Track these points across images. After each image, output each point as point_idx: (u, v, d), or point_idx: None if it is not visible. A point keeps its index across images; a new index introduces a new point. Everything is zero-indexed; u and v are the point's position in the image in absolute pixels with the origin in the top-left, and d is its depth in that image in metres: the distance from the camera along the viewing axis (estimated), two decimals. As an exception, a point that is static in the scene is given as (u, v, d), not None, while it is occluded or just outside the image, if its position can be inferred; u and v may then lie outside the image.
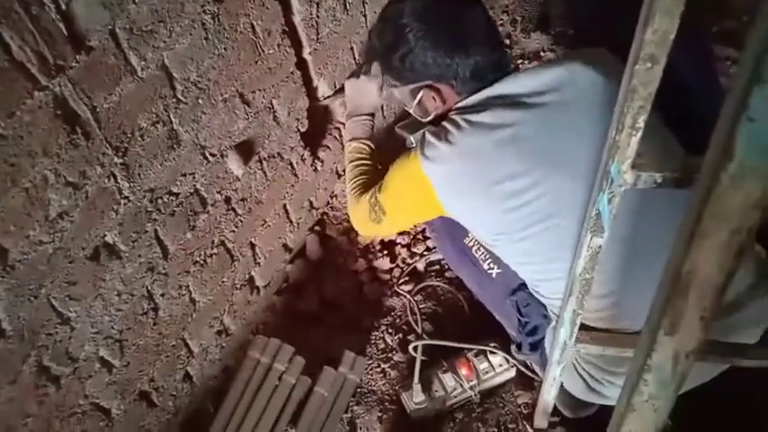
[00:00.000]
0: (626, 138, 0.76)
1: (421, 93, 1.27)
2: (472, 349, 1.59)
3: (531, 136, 1.13)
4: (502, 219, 1.17)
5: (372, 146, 1.50)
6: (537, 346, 1.40)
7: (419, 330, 1.69)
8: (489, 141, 1.14)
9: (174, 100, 1.19)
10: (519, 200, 1.13)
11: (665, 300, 0.67)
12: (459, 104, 1.24)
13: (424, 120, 1.34)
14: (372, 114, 1.53)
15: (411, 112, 1.34)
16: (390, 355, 1.67)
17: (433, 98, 1.26)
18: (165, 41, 1.11)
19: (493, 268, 1.40)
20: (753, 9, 0.51)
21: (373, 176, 1.44)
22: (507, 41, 2.38)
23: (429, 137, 1.21)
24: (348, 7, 1.69)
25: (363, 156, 1.49)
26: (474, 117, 1.17)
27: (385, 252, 1.87)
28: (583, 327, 1.11)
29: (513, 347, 1.50)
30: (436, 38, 1.19)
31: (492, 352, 1.58)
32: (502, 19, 2.43)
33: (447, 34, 1.19)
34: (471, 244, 1.43)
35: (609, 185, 0.83)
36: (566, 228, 1.10)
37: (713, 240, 0.61)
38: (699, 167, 0.64)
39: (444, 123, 1.21)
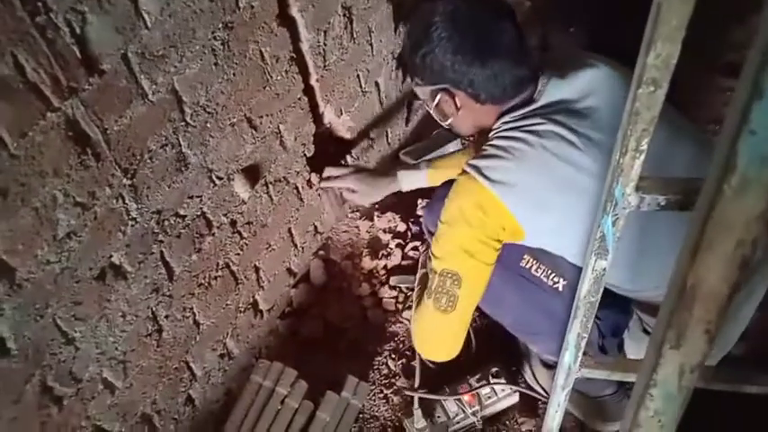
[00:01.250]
0: (630, 160, 0.77)
1: (439, 95, 1.27)
2: (474, 375, 1.58)
3: (592, 137, 1.17)
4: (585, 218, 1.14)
5: None
6: (622, 346, 1.41)
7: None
8: (561, 147, 1.16)
9: (183, 123, 1.20)
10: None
11: (670, 313, 0.66)
12: (506, 119, 1.25)
13: (442, 123, 1.34)
14: None
15: (432, 113, 1.34)
16: (393, 380, 1.66)
17: (450, 103, 1.27)
18: (175, 66, 1.14)
19: (558, 282, 1.31)
20: (754, 28, 0.52)
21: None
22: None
23: (488, 162, 1.19)
24: (355, 36, 1.72)
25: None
26: (539, 127, 1.19)
27: (390, 276, 1.87)
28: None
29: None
30: (459, 43, 1.19)
31: (495, 377, 1.57)
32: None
33: (470, 41, 1.19)
34: (529, 265, 1.33)
35: (613, 208, 0.84)
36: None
37: (717, 253, 0.61)
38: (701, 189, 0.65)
39: (501, 143, 1.20)
